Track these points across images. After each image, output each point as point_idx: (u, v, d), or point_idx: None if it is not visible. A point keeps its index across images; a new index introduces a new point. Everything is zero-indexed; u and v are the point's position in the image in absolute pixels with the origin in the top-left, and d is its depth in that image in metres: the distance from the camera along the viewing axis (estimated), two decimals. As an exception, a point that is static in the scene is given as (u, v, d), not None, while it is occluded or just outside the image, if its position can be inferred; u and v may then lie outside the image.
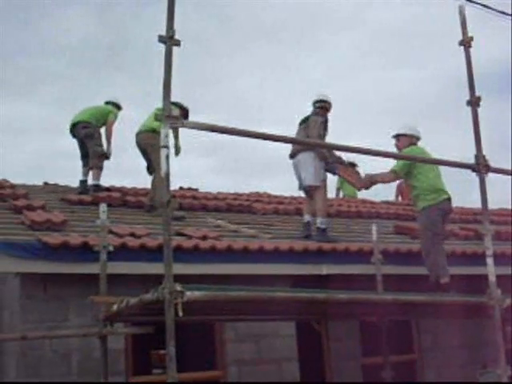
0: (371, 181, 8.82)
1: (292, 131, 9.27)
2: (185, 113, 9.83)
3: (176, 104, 9.89)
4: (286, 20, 31.15)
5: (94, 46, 31.65)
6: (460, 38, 6.61)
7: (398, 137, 8.80)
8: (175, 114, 5.17)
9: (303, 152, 8.98)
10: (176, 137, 9.66)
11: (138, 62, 31.71)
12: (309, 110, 9.37)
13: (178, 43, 5.07)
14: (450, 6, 7.16)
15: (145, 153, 9.81)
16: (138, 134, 9.89)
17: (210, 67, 30.38)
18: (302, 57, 32.35)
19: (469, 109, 6.53)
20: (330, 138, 9.22)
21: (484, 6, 8.21)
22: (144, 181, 10.48)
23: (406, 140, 8.67)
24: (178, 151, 9.77)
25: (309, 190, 9.17)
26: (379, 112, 31.32)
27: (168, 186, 4.81)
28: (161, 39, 5.07)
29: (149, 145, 9.49)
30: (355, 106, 31.89)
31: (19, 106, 27.69)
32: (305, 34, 32.50)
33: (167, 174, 4.83)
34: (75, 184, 10.72)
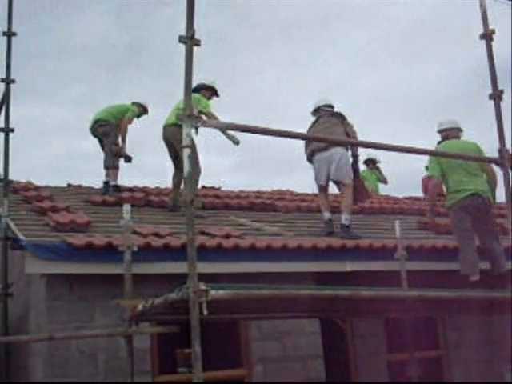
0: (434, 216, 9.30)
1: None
2: (213, 92, 9.95)
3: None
4: (302, 17, 31.14)
5: (112, 46, 31.88)
6: (481, 31, 6.57)
7: (442, 132, 8.86)
8: (196, 113, 5.17)
9: (338, 147, 9.04)
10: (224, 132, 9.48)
11: (157, 62, 31.86)
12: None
13: (198, 43, 5.08)
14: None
15: (172, 147, 9.71)
16: (164, 128, 9.78)
17: (227, 66, 30.40)
18: (318, 54, 32.34)
19: (491, 102, 6.49)
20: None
21: (505, -2, 8.12)
22: (165, 180, 10.53)
23: (452, 133, 8.76)
24: (235, 141, 9.45)
25: (338, 185, 9.23)
26: (399, 108, 31.20)
27: (192, 185, 4.83)
28: (181, 39, 5.08)
29: (177, 140, 9.39)
30: (374, 102, 31.81)
31: (39, 107, 27.94)
32: (321, 30, 32.49)
33: (190, 173, 4.85)
34: (97, 185, 10.80)
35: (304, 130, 9.30)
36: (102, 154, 10.61)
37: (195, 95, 9.42)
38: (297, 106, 30.73)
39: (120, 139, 10.59)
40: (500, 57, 6.80)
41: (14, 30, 8.18)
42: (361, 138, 8.79)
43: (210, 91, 9.91)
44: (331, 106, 9.65)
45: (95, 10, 32.92)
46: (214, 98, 10.01)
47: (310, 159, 9.36)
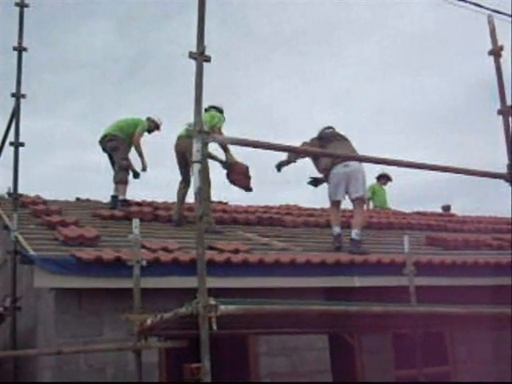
0: None
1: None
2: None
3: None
4: (306, 29, 31.29)
5: (116, 60, 32.05)
6: (483, 45, 6.59)
7: None
8: (206, 129, 5.19)
9: (356, 162, 9.12)
10: (226, 150, 9.74)
11: (161, 75, 31.98)
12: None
13: (208, 59, 5.09)
14: (473, 13, 7.16)
15: (183, 158, 9.74)
16: (179, 139, 9.81)
17: (232, 79, 30.53)
18: (322, 66, 32.44)
19: (493, 116, 6.50)
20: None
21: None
22: (168, 193, 10.59)
23: None
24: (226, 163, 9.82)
25: (354, 201, 9.30)
26: (402, 120, 31.21)
27: (202, 200, 4.84)
28: (191, 55, 5.09)
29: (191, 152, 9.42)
30: (377, 115, 31.86)
31: (44, 121, 28.04)
32: (324, 43, 32.62)
33: (200, 189, 4.86)
34: (103, 198, 10.86)
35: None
36: (108, 167, 10.67)
37: (210, 112, 9.71)
38: (303, 119, 30.81)
39: (132, 153, 10.65)
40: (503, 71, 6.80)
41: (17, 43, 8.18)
42: (365, 150, 8.83)
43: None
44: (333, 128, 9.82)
45: (99, 23, 33.14)
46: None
47: (325, 173, 9.37)
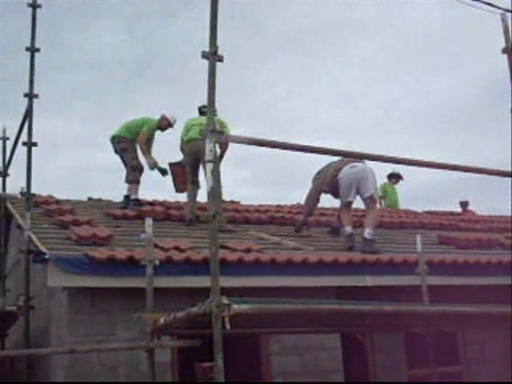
0: None
1: (323, 141, 9.48)
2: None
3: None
4: (311, 29, 31.24)
5: (124, 59, 32.12)
6: (490, 43, 6.57)
7: None
8: (218, 129, 5.20)
9: (364, 164, 9.22)
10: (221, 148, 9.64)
11: (169, 74, 32.03)
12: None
13: (221, 59, 5.09)
14: (480, 11, 7.12)
15: (196, 160, 9.74)
16: (192, 141, 9.79)
17: (240, 78, 30.57)
18: (329, 65, 32.42)
19: (503, 114, 6.48)
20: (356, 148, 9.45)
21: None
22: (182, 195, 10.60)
23: None
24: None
25: (366, 201, 9.36)
26: (409, 119, 31.12)
27: (216, 199, 4.85)
28: (204, 55, 5.09)
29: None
30: (384, 114, 31.80)
31: (52, 121, 28.14)
32: (331, 42, 32.57)
33: (213, 188, 4.87)
34: (110, 197, 10.94)
35: (315, 142, 9.42)
36: (115, 168, 10.77)
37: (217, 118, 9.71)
38: (306, 118, 30.82)
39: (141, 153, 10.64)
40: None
41: (27, 44, 8.19)
42: (370, 150, 8.87)
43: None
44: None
45: (106, 23, 33.22)
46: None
47: (334, 179, 9.46)
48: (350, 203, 9.46)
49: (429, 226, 11.81)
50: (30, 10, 8.19)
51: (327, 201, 11.49)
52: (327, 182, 9.56)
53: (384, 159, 7.02)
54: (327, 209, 12.34)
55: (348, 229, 9.23)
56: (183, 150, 10.11)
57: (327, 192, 9.87)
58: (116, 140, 10.57)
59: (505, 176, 6.40)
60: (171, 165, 10.57)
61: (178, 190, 10.53)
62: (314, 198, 9.85)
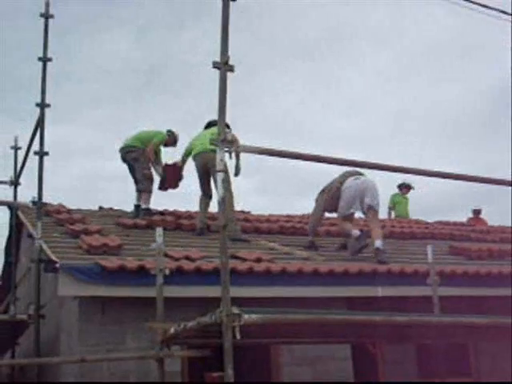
0: None
1: (335, 150, 9.49)
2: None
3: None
4: (324, 37, 31.30)
5: (134, 68, 32.27)
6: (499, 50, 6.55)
7: None
8: (230, 138, 5.20)
9: (366, 176, 9.27)
10: (237, 156, 9.57)
11: (179, 83, 32.14)
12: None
13: (231, 69, 5.11)
14: (491, 18, 7.10)
15: (206, 173, 9.76)
16: (201, 154, 9.78)
17: (249, 87, 30.62)
18: (340, 73, 32.44)
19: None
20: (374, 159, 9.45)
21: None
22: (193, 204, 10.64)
23: None
24: (237, 172, 9.58)
25: (369, 212, 9.31)
26: (421, 128, 31.05)
27: (227, 209, 4.85)
28: (215, 65, 5.11)
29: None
30: (398, 123, 31.75)
31: (64, 130, 28.25)
32: (343, 50, 32.59)
33: (223, 198, 4.87)
34: (118, 206, 10.96)
35: (326, 152, 9.45)
36: (128, 178, 10.80)
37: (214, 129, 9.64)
38: (318, 126, 30.80)
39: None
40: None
41: (37, 53, 8.20)
42: (382, 158, 8.91)
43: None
44: None
45: (117, 32, 33.37)
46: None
47: (337, 192, 9.47)
48: (351, 215, 9.46)
49: (439, 237, 11.76)
50: (41, 20, 8.23)
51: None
52: (331, 196, 9.55)
53: (393, 169, 7.02)
54: (337, 219, 12.31)
55: (355, 231, 9.19)
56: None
57: (331, 211, 9.90)
58: (127, 149, 10.63)
59: (505, 185, 6.37)
60: (166, 165, 10.83)
61: (164, 186, 10.78)
62: (317, 216, 9.84)
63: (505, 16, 6.63)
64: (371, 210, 9.27)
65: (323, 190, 9.82)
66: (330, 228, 11.18)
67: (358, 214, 9.95)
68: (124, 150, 10.67)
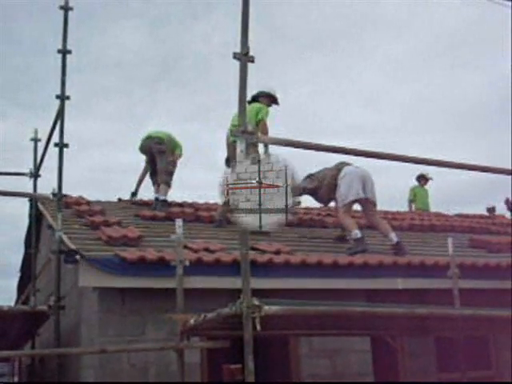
0: None
1: (348, 141, 9.42)
2: (273, 99, 9.71)
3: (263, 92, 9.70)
4: (338, 28, 31.17)
5: (147, 60, 32.29)
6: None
7: None
8: (251, 129, 5.17)
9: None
10: (265, 147, 9.41)
11: (192, 75, 32.15)
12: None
13: (252, 60, 5.07)
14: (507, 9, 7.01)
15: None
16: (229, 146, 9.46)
17: (263, 79, 30.53)
18: (354, 65, 32.30)
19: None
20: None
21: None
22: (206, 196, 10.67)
23: None
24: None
25: (369, 205, 9.23)
26: (436, 119, 30.84)
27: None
28: (235, 56, 5.08)
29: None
30: (411, 114, 31.58)
31: (75, 121, 28.35)
32: (356, 42, 32.45)
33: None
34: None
35: (342, 143, 9.36)
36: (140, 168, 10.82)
37: (256, 105, 9.39)
38: (334, 118, 30.69)
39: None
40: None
41: (52, 45, 8.24)
42: (397, 149, 8.80)
43: (269, 99, 9.68)
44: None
45: (129, 24, 33.39)
46: (274, 106, 9.79)
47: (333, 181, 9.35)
48: (351, 203, 9.17)
49: (459, 229, 11.68)
50: (59, 12, 8.23)
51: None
52: (326, 185, 9.39)
53: (411, 160, 6.96)
54: (356, 211, 12.25)
55: (356, 232, 8.78)
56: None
57: (326, 201, 9.77)
58: (155, 140, 10.66)
59: (506, 174, 6.26)
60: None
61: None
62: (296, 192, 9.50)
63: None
64: (370, 204, 9.19)
65: (310, 176, 9.61)
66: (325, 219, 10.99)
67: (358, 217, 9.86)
68: (152, 140, 10.69)
